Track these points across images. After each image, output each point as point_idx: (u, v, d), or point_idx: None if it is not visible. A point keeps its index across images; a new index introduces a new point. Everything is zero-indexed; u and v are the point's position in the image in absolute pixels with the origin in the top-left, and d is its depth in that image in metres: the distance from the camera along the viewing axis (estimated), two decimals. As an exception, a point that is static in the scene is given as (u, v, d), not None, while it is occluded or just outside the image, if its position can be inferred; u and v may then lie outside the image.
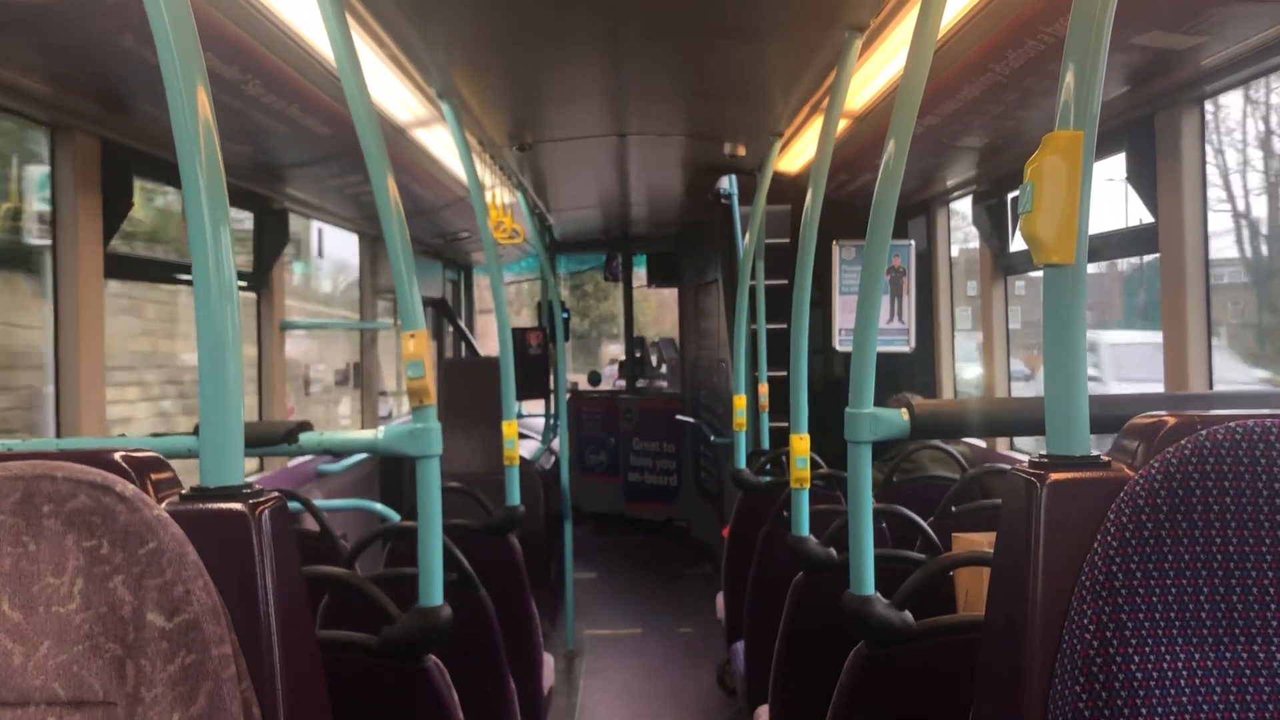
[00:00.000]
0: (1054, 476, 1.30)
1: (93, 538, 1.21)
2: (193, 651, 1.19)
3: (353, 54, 2.08)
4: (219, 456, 1.44)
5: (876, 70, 3.44)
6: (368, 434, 2.17)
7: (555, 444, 7.52)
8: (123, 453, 1.39)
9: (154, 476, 1.40)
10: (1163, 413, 1.33)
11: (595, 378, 10.06)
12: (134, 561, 1.20)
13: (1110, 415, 1.52)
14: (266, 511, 1.38)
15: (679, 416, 8.29)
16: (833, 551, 2.89)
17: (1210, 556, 1.18)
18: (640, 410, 8.91)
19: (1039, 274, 1.45)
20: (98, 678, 1.19)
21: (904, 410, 2.04)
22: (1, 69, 2.58)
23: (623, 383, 9.84)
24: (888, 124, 2.12)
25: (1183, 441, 1.21)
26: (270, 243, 4.59)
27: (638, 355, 9.64)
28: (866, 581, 2.13)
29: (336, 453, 4.97)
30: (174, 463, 1.52)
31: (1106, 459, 1.36)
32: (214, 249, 1.43)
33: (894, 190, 2.11)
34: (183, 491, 1.43)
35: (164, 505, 1.34)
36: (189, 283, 4.01)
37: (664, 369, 9.69)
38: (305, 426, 2.13)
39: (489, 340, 10.83)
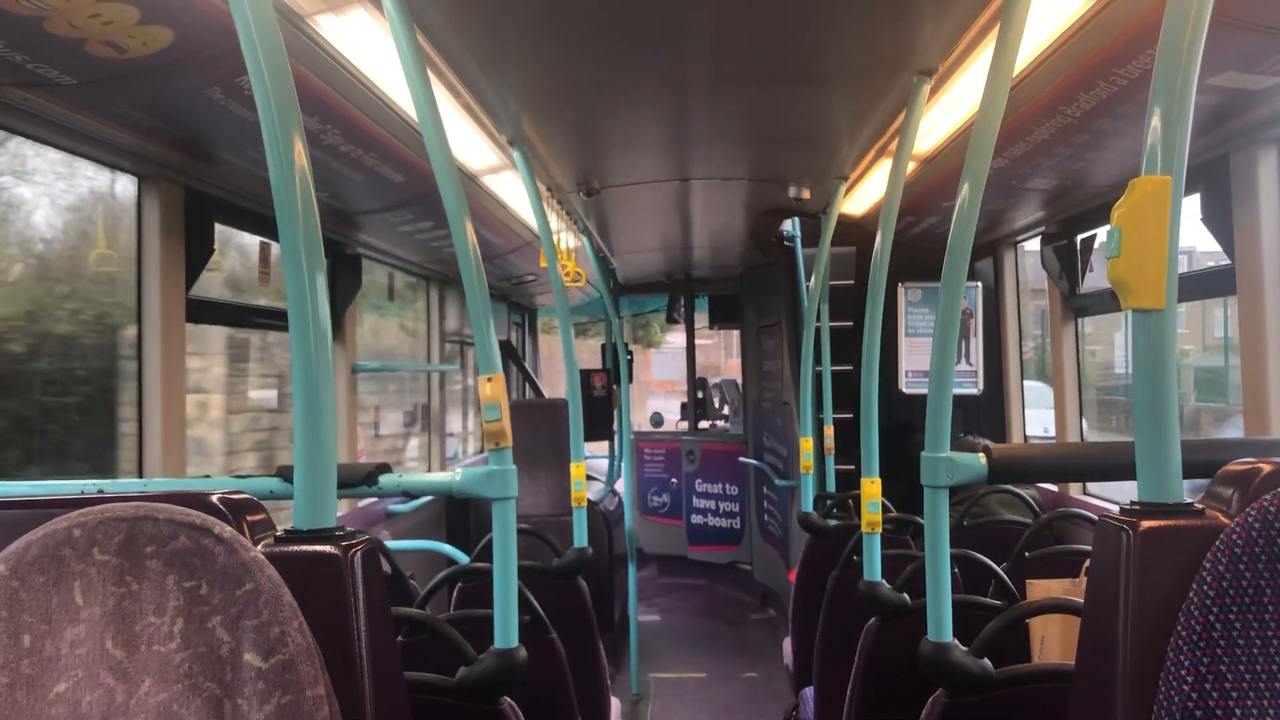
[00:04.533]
0: (1146, 524, 1.29)
1: (193, 578, 1.24)
2: (288, 692, 1.21)
3: (433, 105, 2.13)
4: (312, 500, 1.47)
5: (945, 113, 3.43)
6: (444, 476, 2.19)
7: (618, 485, 7.52)
8: (219, 495, 1.43)
9: (249, 518, 1.43)
10: (1257, 459, 1.31)
11: (658, 419, 10.06)
12: (232, 602, 1.23)
13: (1199, 460, 1.49)
14: (358, 554, 1.41)
15: (742, 459, 8.26)
16: (906, 597, 2.86)
17: None
18: (702, 452, 8.89)
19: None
20: (196, 716, 1.21)
21: (981, 454, 2.02)
22: (95, 122, 2.67)
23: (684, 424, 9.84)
24: (955, 166, 2.11)
25: None
26: (344, 288, 4.69)
27: (700, 396, 9.63)
28: (945, 628, 2.10)
29: (413, 494, 5.03)
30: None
31: (1200, 506, 1.34)
32: (310, 295, 1.47)
33: (968, 233, 2.10)
34: (277, 534, 1.46)
35: (260, 547, 1.37)
36: (267, 326, 4.13)
37: (726, 410, 9.66)
38: (385, 469, 2.16)
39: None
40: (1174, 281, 1.35)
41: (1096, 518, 1.42)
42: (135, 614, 1.24)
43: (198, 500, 1.38)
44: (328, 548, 1.39)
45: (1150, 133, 1.36)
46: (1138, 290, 1.34)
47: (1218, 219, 3.20)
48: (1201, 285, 3.48)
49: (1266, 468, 1.29)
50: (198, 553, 1.24)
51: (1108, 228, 1.40)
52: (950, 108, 3.35)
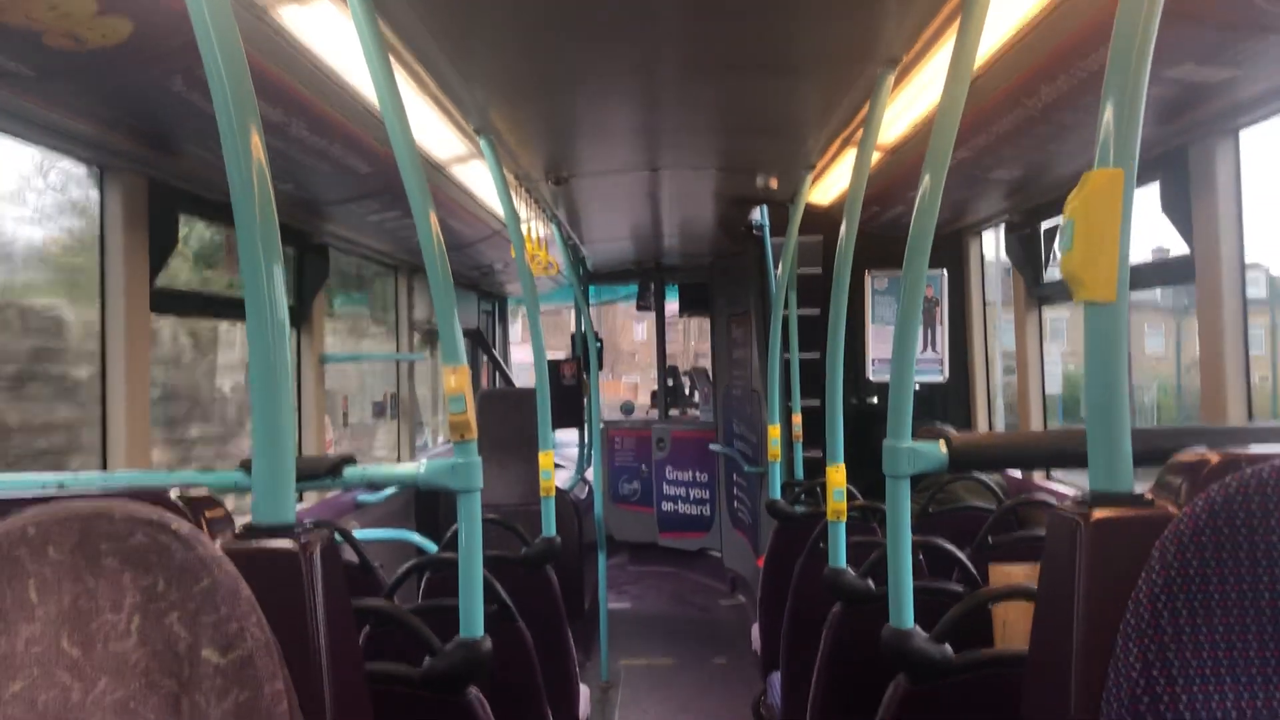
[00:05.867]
0: (1097, 514, 1.31)
1: (149, 575, 1.24)
2: (246, 688, 1.21)
3: (395, 94, 2.12)
4: (271, 494, 1.47)
5: (909, 104, 3.45)
6: (409, 468, 2.19)
7: (588, 473, 7.53)
8: (178, 491, 1.43)
9: (208, 514, 1.43)
10: (1206, 449, 1.34)
11: (629, 408, 10.08)
12: (189, 598, 1.23)
13: (1151, 449, 1.52)
14: (317, 549, 1.41)
15: (712, 446, 8.29)
16: (870, 583, 2.88)
17: (1258, 595, 1.18)
18: (673, 439, 8.92)
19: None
20: (154, 713, 1.21)
21: (942, 443, 2.04)
22: (56, 114, 2.65)
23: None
24: (920, 156, 2.13)
25: (1227, 479, 1.21)
26: (310, 278, 4.66)
27: (670, 384, 9.65)
28: (906, 615, 2.12)
29: (379, 486, 4.99)
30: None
31: (1150, 496, 1.36)
32: (267, 287, 1.47)
33: (930, 222, 2.12)
34: (236, 529, 1.46)
35: (218, 543, 1.37)
36: (232, 316, 4.09)
37: (696, 398, 9.69)
38: (349, 460, 2.16)
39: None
40: (1125, 274, 1.37)
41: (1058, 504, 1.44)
42: (91, 612, 1.24)
43: (156, 496, 1.38)
44: (285, 543, 1.39)
45: (1103, 126, 1.38)
46: (1089, 283, 1.36)
47: (1177, 209, 3.24)
48: (1159, 275, 3.53)
49: (1215, 458, 1.31)
50: (154, 549, 1.24)
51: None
52: (914, 98, 3.37)
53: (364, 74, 2.34)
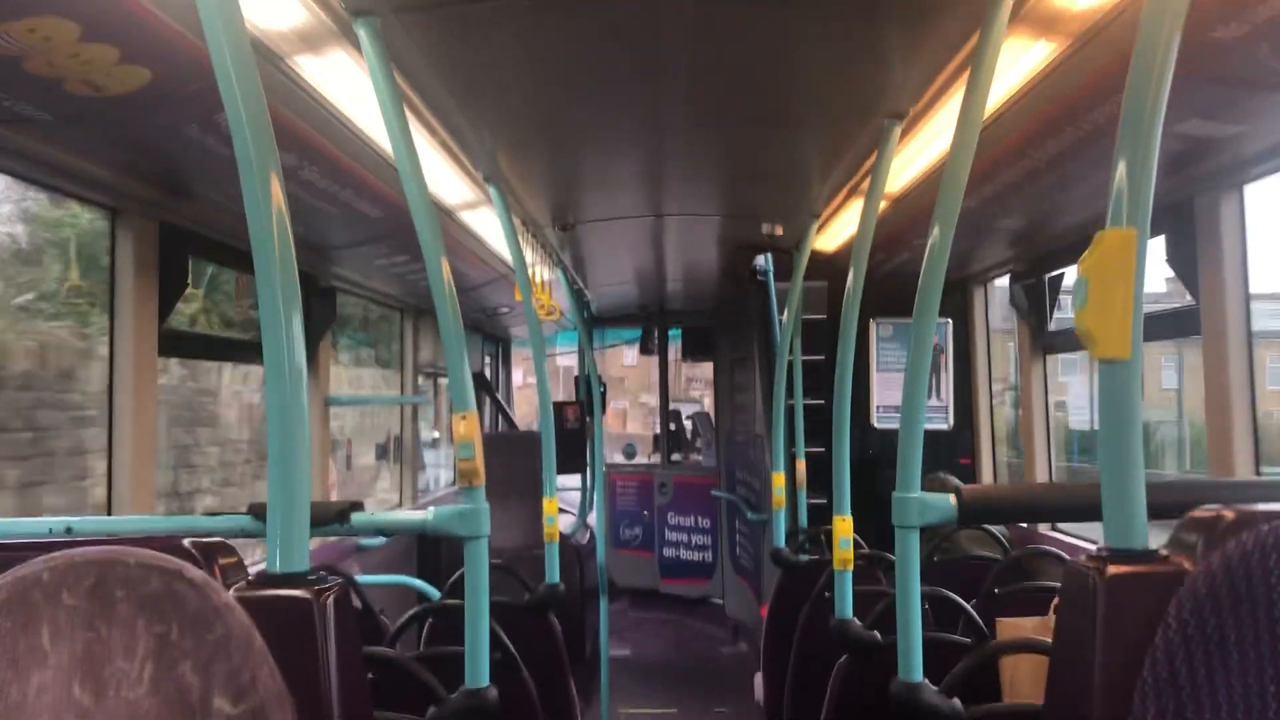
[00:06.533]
0: (1112, 570, 1.31)
1: (163, 623, 1.23)
2: None
3: (410, 144, 2.14)
4: (285, 542, 1.47)
5: (916, 154, 3.47)
6: (417, 515, 2.19)
7: (590, 518, 7.50)
8: (191, 539, 1.43)
9: (222, 561, 1.43)
10: (1221, 506, 1.34)
11: (630, 451, 10.05)
12: (202, 647, 1.22)
13: (1165, 503, 1.52)
14: (330, 598, 1.40)
15: (714, 492, 8.25)
16: (877, 635, 2.87)
17: (1276, 653, 1.18)
18: (675, 484, 8.89)
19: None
20: None
21: (952, 495, 2.03)
22: (71, 157, 2.67)
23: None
24: (926, 205, 2.14)
25: (1243, 535, 1.21)
26: (317, 320, 4.66)
27: (672, 428, 9.64)
28: (915, 668, 2.11)
29: (387, 533, 4.97)
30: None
31: (1165, 552, 1.36)
32: (286, 331, 1.47)
33: (939, 272, 2.13)
34: (249, 576, 1.46)
35: (232, 591, 1.36)
36: (240, 359, 4.09)
37: (699, 443, 9.67)
38: (357, 506, 2.15)
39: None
40: (1139, 332, 1.38)
41: (1064, 555, 1.44)
42: (104, 659, 1.23)
43: (169, 544, 1.37)
44: (300, 592, 1.39)
45: (1115, 183, 1.39)
46: (1103, 341, 1.37)
47: (1182, 261, 3.25)
48: (1166, 326, 3.53)
49: (1230, 515, 1.31)
50: (169, 597, 1.23)
51: (1074, 269, 1.43)
52: (920, 149, 3.39)
53: (375, 121, 2.36)
